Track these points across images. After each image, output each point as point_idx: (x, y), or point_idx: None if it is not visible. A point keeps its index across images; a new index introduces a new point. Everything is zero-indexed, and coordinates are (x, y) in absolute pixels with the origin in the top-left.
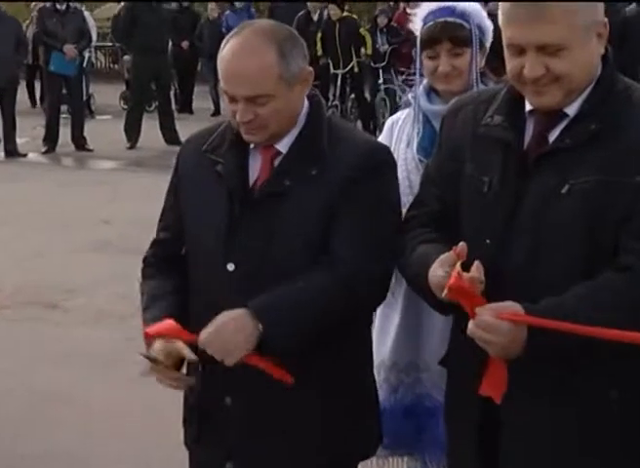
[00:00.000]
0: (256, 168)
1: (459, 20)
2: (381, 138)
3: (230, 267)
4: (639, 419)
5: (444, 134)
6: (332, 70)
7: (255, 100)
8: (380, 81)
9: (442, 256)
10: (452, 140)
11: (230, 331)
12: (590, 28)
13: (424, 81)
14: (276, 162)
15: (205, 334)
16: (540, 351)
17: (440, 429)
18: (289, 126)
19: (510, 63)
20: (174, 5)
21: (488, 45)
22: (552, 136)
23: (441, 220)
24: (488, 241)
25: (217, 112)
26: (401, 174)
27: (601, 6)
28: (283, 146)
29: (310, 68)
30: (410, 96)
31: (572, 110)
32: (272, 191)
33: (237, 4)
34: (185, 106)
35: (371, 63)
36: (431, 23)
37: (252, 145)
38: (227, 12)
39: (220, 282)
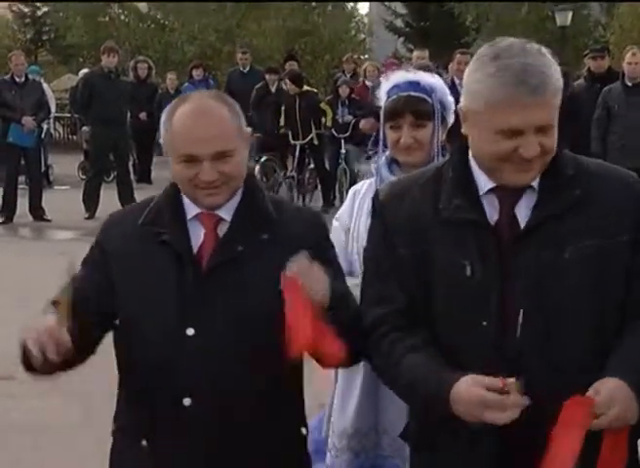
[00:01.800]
0: (198, 237)
1: (422, 95)
2: (343, 208)
3: (190, 332)
4: None
5: (389, 219)
6: (291, 141)
7: (220, 158)
8: (343, 151)
9: (479, 378)
10: (404, 226)
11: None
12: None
13: (387, 152)
14: (219, 229)
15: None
16: None
17: None
18: (239, 188)
19: (499, 145)
20: (131, 77)
21: (449, 119)
22: (519, 211)
23: (412, 318)
24: (485, 323)
25: None
26: (359, 243)
27: None
28: (226, 213)
29: (249, 130)
30: (372, 166)
31: (535, 183)
32: (226, 257)
33: (196, 76)
34: (144, 176)
35: (333, 133)
36: (395, 97)
37: (189, 216)
38: (186, 84)
39: (176, 347)
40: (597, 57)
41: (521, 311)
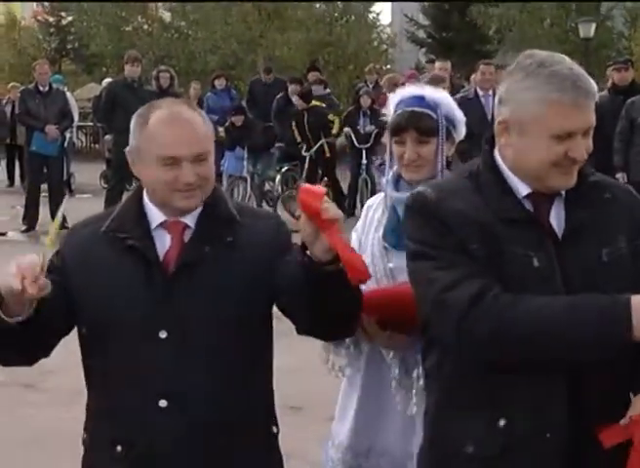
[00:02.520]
0: (164, 243)
1: (426, 110)
2: (359, 222)
3: (162, 334)
4: None
5: (447, 217)
6: (303, 153)
7: (198, 160)
8: (364, 162)
9: None
10: (467, 223)
11: None
12: None
13: (395, 167)
14: (185, 236)
15: None
16: None
17: None
18: (209, 193)
19: (552, 150)
20: (154, 86)
21: (457, 134)
22: (551, 215)
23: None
24: None
25: None
26: (367, 257)
27: None
28: (191, 220)
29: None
30: (383, 180)
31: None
32: (193, 258)
33: (218, 85)
34: None
35: (354, 143)
36: (400, 112)
37: (154, 224)
38: (208, 93)
39: (149, 350)
40: (621, 68)
41: None
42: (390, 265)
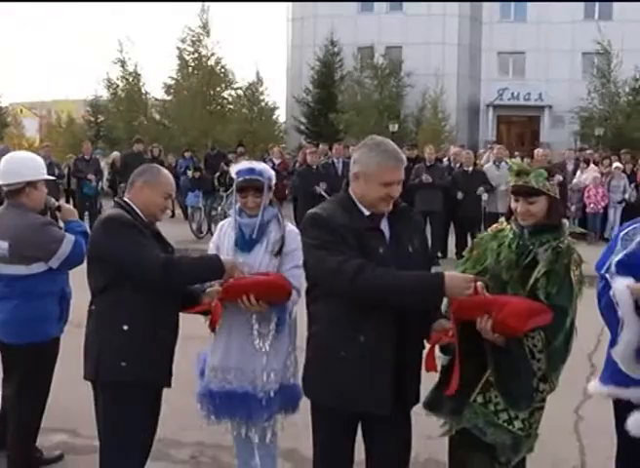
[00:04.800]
0: None
1: (256, 177)
2: (215, 235)
3: None
4: None
5: (334, 226)
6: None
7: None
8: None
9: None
10: (345, 228)
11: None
12: None
13: (238, 205)
14: None
15: None
16: None
17: (250, 405)
18: None
19: (381, 191)
20: (149, 155)
21: (272, 187)
22: (382, 226)
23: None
24: None
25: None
26: (225, 256)
27: None
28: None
29: None
30: (231, 211)
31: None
32: None
33: (186, 155)
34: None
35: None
36: (241, 178)
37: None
38: (180, 160)
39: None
40: (410, 148)
41: None
42: (240, 260)
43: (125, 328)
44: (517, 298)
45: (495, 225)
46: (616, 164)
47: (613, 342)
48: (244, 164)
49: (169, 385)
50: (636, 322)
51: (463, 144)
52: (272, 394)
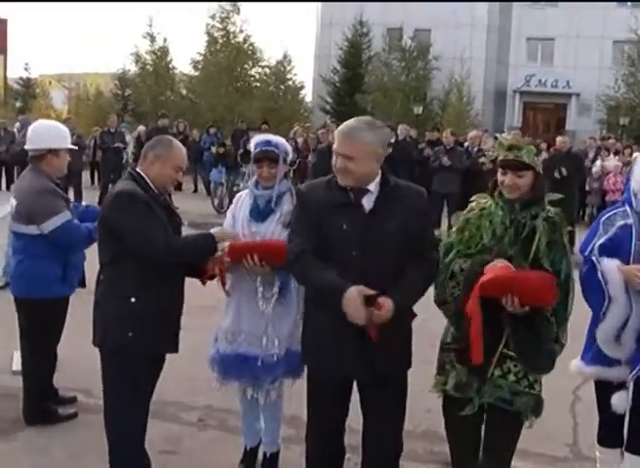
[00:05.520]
0: None
1: (271, 148)
2: (232, 205)
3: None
4: None
5: (305, 202)
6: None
7: None
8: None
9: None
10: (314, 205)
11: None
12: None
13: (254, 177)
14: None
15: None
16: None
17: (256, 368)
18: None
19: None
20: (175, 130)
21: (289, 160)
22: (364, 201)
23: (318, 252)
24: (354, 253)
25: (195, 190)
26: (239, 225)
27: None
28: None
29: None
30: (248, 183)
31: (373, 189)
32: None
33: (211, 131)
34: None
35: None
36: (258, 150)
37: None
38: (205, 135)
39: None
40: (433, 130)
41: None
42: (253, 229)
43: (132, 300)
44: (533, 272)
45: (473, 203)
46: (636, 154)
47: (595, 323)
48: (261, 136)
49: (176, 351)
50: (625, 300)
51: (487, 129)
52: (276, 358)
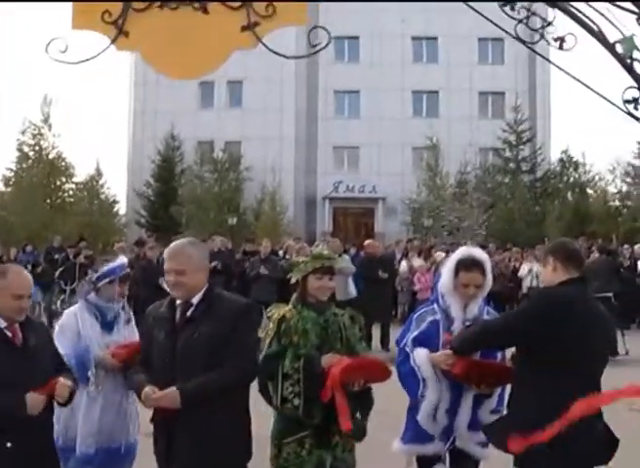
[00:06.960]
0: None
1: (127, 270)
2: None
3: None
4: None
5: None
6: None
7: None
8: None
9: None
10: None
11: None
12: None
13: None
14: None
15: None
16: None
17: None
18: None
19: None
20: None
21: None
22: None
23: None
24: (166, 360)
25: None
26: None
27: None
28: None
29: None
30: (87, 299)
31: (195, 302)
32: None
33: (27, 249)
34: None
35: None
36: (124, 272)
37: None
38: (20, 253)
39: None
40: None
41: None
42: (106, 339)
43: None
44: (369, 358)
45: (273, 311)
46: (439, 253)
47: (414, 407)
48: (121, 259)
49: None
50: (436, 382)
51: (300, 237)
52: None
